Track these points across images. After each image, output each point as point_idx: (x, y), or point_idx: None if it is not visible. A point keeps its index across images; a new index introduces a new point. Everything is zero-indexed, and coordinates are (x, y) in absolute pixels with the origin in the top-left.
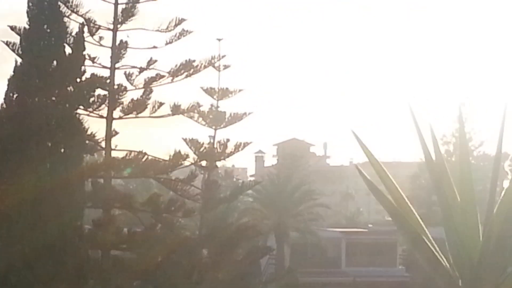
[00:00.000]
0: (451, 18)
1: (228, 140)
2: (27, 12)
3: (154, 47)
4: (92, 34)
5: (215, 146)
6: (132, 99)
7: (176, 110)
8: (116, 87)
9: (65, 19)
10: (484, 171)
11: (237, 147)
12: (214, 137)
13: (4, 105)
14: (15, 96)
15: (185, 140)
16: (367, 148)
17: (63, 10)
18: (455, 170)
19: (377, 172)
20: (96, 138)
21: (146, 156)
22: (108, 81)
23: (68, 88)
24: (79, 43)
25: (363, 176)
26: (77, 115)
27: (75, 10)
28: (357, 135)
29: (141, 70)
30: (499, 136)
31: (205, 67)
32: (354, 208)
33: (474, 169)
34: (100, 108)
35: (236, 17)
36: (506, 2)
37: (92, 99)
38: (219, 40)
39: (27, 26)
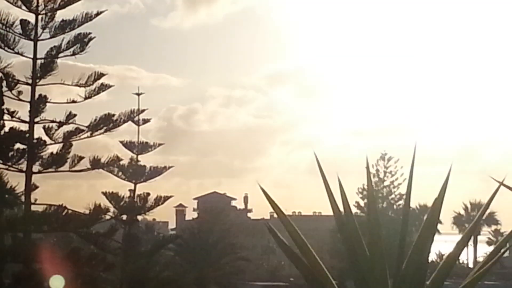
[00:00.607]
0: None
1: (148, 194)
2: None
3: (73, 101)
4: (11, 89)
5: (135, 200)
6: (52, 153)
7: (95, 164)
8: (35, 141)
9: None
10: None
11: (157, 201)
12: (134, 191)
13: None
14: None
15: (105, 194)
16: (276, 204)
17: None
18: (363, 223)
19: (288, 231)
20: (16, 192)
21: (66, 210)
22: (27, 135)
23: None
24: None
25: (273, 234)
26: None
27: None
28: (265, 190)
29: (60, 124)
30: (406, 191)
31: (124, 121)
32: (276, 262)
33: (395, 222)
34: (19, 162)
35: None
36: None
37: (11, 153)
38: (139, 94)
39: None
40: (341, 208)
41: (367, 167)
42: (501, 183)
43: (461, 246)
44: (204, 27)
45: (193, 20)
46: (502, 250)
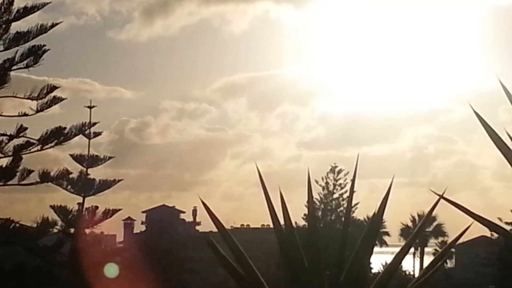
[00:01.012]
0: None
1: (96, 207)
2: None
3: (25, 114)
4: None
5: (83, 213)
6: (1, 167)
7: (45, 177)
8: None
9: None
10: (354, 237)
11: (106, 214)
12: (83, 204)
13: None
14: None
15: (53, 207)
16: (215, 216)
17: None
18: (303, 235)
19: (227, 244)
20: None
21: (13, 224)
22: None
23: None
24: None
25: (212, 248)
26: None
27: None
28: (205, 203)
29: (11, 137)
30: (347, 203)
31: (75, 134)
32: (223, 274)
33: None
34: None
35: None
36: None
37: None
38: (90, 107)
39: None
40: (281, 220)
41: (308, 180)
42: (441, 196)
43: (400, 256)
44: (160, 39)
45: (149, 32)
46: (440, 262)
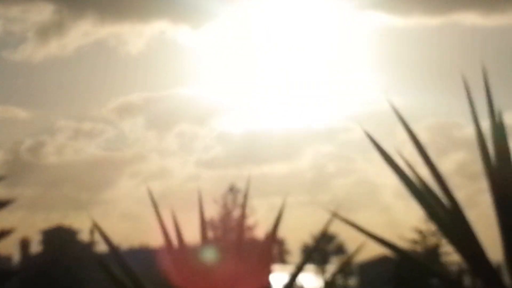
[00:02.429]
0: None
1: None
2: None
3: None
4: None
5: None
6: None
7: None
8: None
9: None
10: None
11: (0, 235)
12: None
13: None
14: None
15: None
16: (106, 237)
17: None
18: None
19: (120, 266)
20: None
21: None
22: None
23: None
24: None
25: (104, 269)
26: None
27: None
28: (97, 223)
29: None
30: (238, 223)
31: None
32: None
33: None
34: None
35: None
36: None
37: None
38: None
39: None
40: (175, 242)
41: (200, 201)
42: (334, 214)
43: (296, 272)
44: (55, 59)
45: (44, 52)
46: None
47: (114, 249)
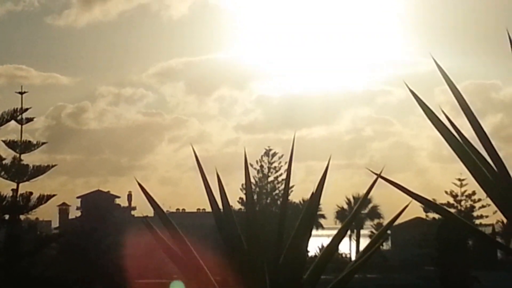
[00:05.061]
0: None
1: (31, 193)
2: None
3: None
4: None
5: (17, 199)
6: None
7: None
8: None
9: None
10: (290, 220)
11: (40, 200)
12: (17, 190)
13: None
14: None
15: None
16: (153, 200)
17: None
18: (240, 218)
19: (166, 227)
20: None
21: None
22: None
23: None
24: None
25: (151, 231)
26: None
27: None
28: (143, 186)
29: None
30: (285, 185)
31: (7, 120)
32: (161, 259)
33: (278, 217)
34: None
35: None
36: None
37: None
38: (22, 93)
39: None
40: (220, 205)
41: (245, 163)
42: (378, 175)
43: (337, 239)
44: (98, 25)
45: (88, 18)
46: (377, 244)
47: (160, 211)
